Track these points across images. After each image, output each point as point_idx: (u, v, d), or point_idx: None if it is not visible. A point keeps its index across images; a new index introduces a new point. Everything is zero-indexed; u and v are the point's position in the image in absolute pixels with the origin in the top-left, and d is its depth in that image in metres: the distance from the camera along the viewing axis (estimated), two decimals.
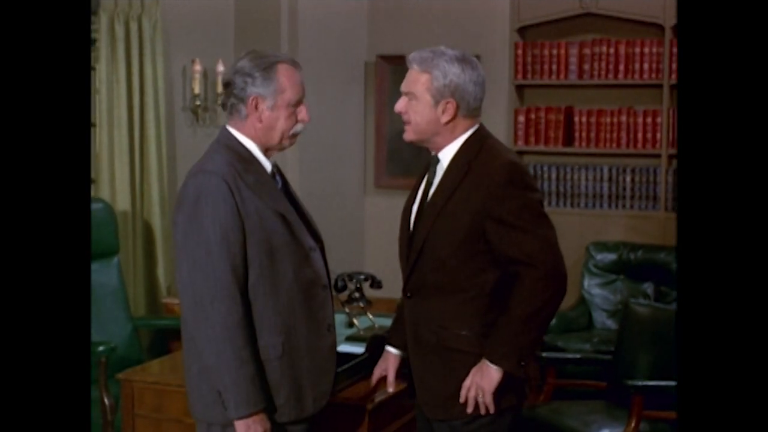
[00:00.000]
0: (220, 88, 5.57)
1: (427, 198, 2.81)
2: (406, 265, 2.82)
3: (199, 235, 2.62)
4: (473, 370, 2.73)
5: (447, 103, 2.75)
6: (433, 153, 2.85)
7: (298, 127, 2.79)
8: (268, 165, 2.79)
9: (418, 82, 2.77)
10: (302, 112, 2.78)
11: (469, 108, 2.78)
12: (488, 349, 2.71)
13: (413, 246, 2.79)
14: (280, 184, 2.81)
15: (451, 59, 2.75)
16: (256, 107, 2.72)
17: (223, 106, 2.81)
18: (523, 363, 2.71)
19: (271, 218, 2.68)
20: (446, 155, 2.81)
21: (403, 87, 2.82)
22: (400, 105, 2.81)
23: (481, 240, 2.70)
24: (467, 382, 2.73)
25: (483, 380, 2.71)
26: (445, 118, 2.76)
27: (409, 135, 2.83)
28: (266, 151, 2.79)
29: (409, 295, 2.83)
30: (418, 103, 2.77)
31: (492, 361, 2.70)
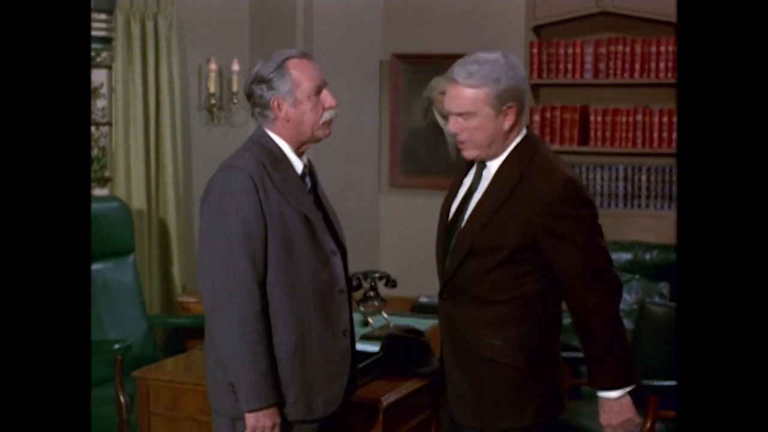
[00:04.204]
0: (235, 87, 5.59)
1: (468, 203, 2.74)
2: (444, 273, 2.77)
3: (221, 229, 2.65)
4: (601, 414, 2.73)
5: (508, 108, 2.65)
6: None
7: (327, 115, 2.82)
8: (299, 165, 2.81)
9: (474, 99, 2.64)
10: (326, 99, 2.82)
11: (523, 107, 2.70)
12: (593, 382, 2.73)
13: (455, 255, 2.73)
14: (309, 186, 2.82)
15: (497, 63, 2.64)
16: (280, 108, 2.76)
17: (252, 115, 2.85)
18: (629, 370, 2.72)
19: (293, 218, 2.70)
20: (494, 161, 2.72)
21: (454, 108, 2.67)
22: (455, 127, 2.69)
23: (527, 253, 2.65)
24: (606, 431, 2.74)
25: (612, 417, 2.71)
26: (507, 125, 2.67)
27: (470, 152, 2.71)
28: (299, 149, 2.82)
29: (444, 297, 2.78)
30: (477, 118, 2.65)
31: (605, 389, 2.71)
